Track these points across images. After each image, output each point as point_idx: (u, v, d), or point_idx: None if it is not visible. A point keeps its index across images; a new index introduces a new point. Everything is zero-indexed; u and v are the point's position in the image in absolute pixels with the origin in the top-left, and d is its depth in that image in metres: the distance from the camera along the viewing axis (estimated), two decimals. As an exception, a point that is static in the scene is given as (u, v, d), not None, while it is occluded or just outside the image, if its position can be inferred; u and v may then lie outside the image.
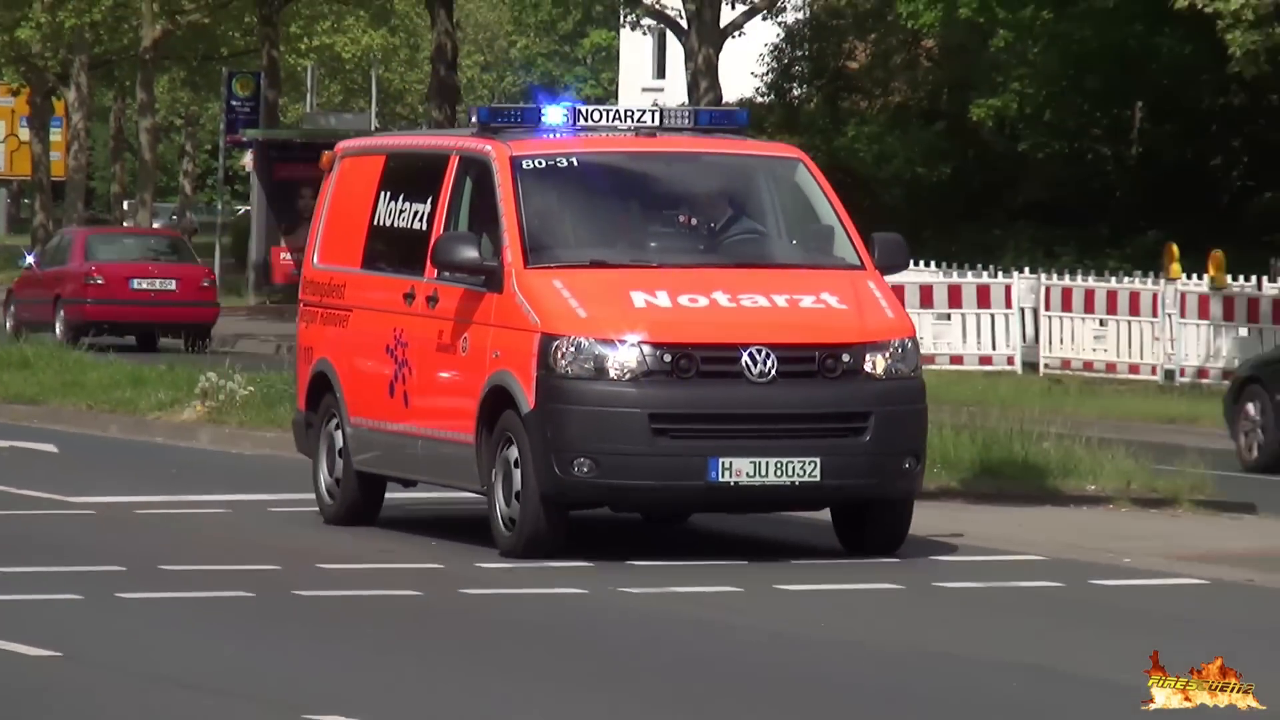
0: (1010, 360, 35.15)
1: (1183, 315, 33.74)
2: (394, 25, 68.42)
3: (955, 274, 36.65)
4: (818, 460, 11.54)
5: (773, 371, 11.48)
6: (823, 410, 11.77)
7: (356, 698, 7.79)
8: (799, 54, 49.61)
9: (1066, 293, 35.50)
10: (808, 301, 12.10)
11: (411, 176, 14.04)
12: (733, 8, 44.75)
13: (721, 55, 43.68)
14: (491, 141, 12.97)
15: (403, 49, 74.04)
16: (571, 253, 12.62)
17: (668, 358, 11.58)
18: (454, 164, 13.24)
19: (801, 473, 11.52)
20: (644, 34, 51.81)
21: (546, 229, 12.58)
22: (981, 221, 40.69)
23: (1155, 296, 34.12)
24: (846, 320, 12.00)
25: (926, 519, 16.40)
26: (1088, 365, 34.82)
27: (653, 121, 13.61)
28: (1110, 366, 34.58)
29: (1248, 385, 24.42)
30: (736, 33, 45.30)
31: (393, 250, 13.85)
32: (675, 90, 50.17)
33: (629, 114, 13.81)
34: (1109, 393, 32.57)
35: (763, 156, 14.69)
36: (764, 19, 46.86)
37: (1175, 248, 34.11)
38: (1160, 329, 34.01)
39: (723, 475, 11.49)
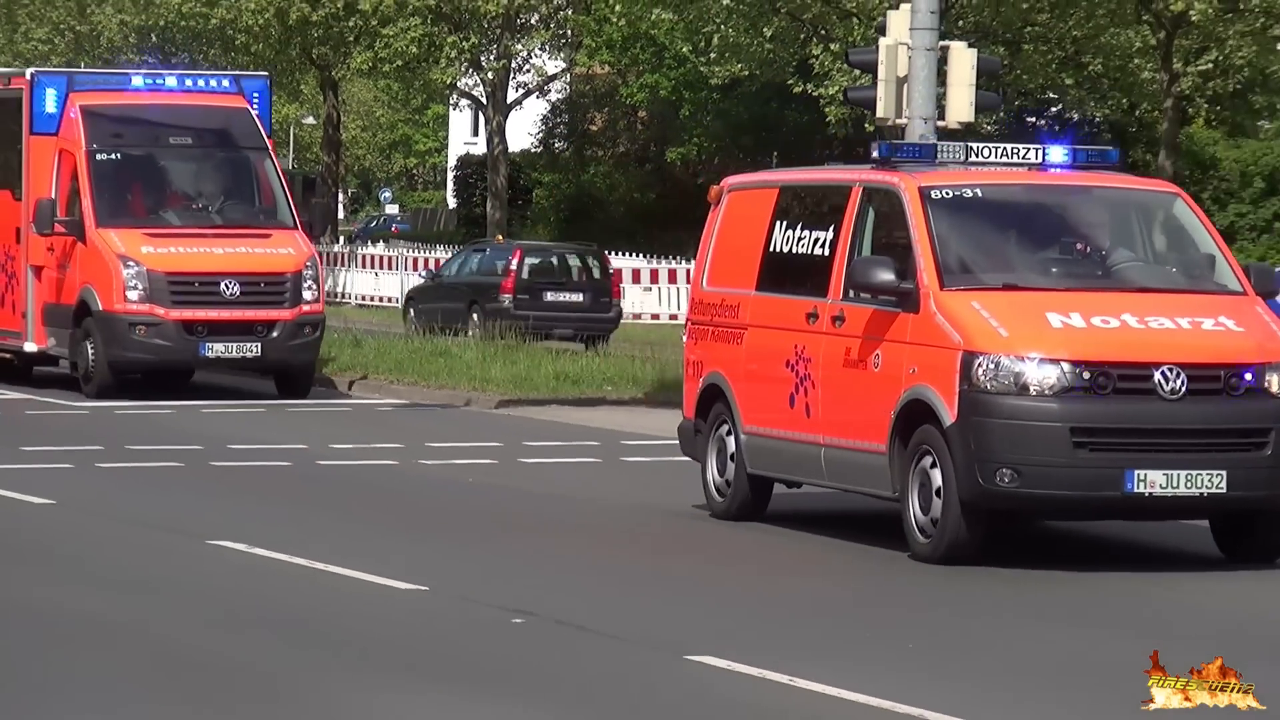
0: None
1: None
2: (302, 100, 66.51)
3: (654, 261, 42.28)
4: (1224, 473, 10.58)
5: (1183, 389, 10.52)
6: (1229, 426, 10.79)
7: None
8: (559, 120, 55.94)
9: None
10: (1209, 324, 11.04)
11: (809, 208, 13.04)
12: (516, 91, 49.62)
13: (509, 121, 49.20)
14: (898, 174, 12.01)
15: (307, 115, 72.82)
16: (984, 276, 11.60)
17: (1086, 375, 10.58)
18: (856, 195, 12.20)
19: (1210, 484, 10.55)
20: (463, 110, 56.58)
21: (957, 254, 11.49)
22: (674, 229, 43.74)
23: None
24: (1246, 341, 11.01)
25: (614, 419, 20.34)
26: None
27: (1036, 158, 12.49)
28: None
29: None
30: (518, 106, 50.62)
31: (791, 274, 12.77)
32: (483, 145, 53.25)
33: (1014, 150, 12.80)
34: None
35: (1145, 190, 13.75)
36: (536, 98, 52.63)
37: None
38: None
39: (1138, 486, 10.51)
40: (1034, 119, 45.39)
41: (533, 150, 54.86)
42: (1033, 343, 10.76)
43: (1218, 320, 11.16)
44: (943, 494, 10.77)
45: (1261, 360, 10.90)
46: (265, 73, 30.59)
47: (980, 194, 12.10)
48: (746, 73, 37.83)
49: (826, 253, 12.26)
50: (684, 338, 14.26)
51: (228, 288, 19.87)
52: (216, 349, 20.01)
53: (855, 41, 30.33)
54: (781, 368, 12.50)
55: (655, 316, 40.41)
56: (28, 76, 21.61)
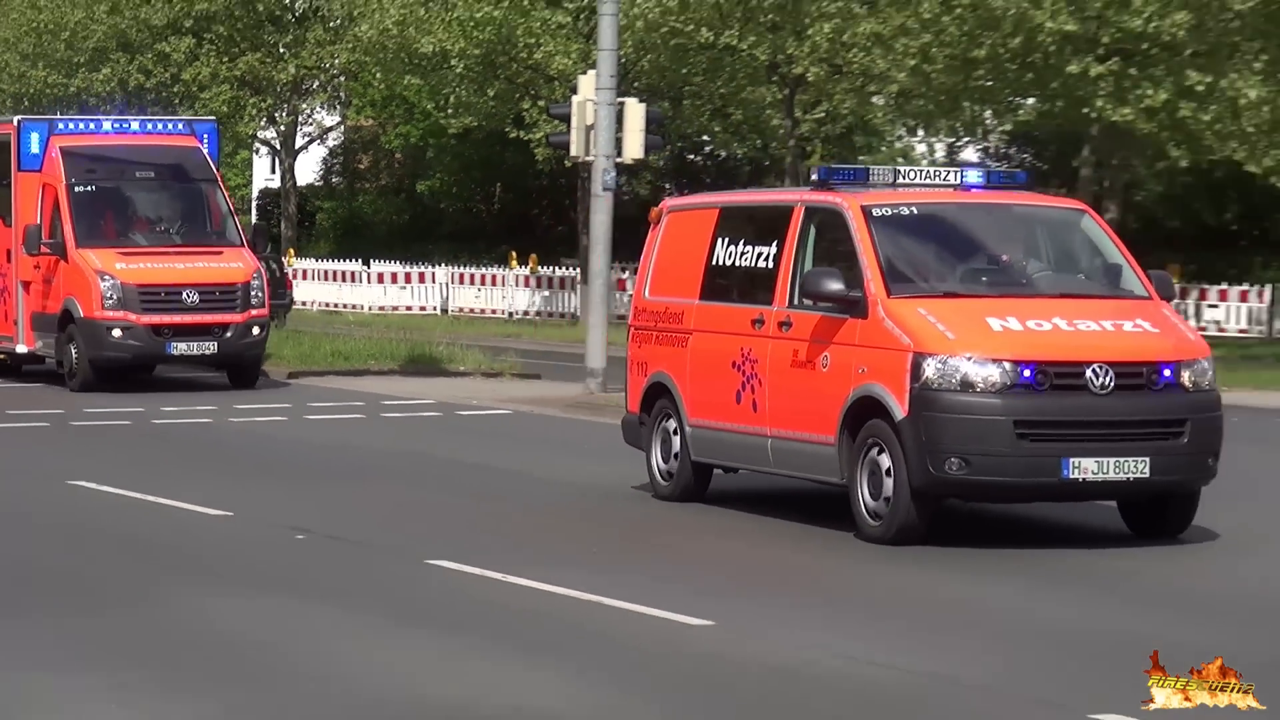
0: (436, 308, 40.37)
1: (517, 285, 39.22)
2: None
3: (407, 266, 41.38)
4: (1148, 459, 9.60)
5: (1112, 385, 9.52)
6: (1152, 418, 9.77)
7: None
8: (336, 160, 54.72)
9: (461, 277, 40.47)
10: (1129, 326, 10.06)
11: (750, 226, 11.66)
12: (303, 139, 49.53)
13: (297, 162, 49.05)
14: (839, 194, 10.75)
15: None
16: (925, 285, 10.47)
17: (1027, 373, 9.51)
18: (799, 213, 10.92)
19: (1135, 470, 9.55)
20: (263, 155, 54.34)
21: (899, 265, 10.33)
22: (421, 243, 45.67)
23: (507, 277, 39.30)
24: (1163, 341, 10.04)
25: (376, 385, 20.35)
26: (471, 310, 39.67)
27: (955, 180, 11.35)
28: (484, 310, 39.59)
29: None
30: (305, 151, 50.33)
31: (735, 285, 11.53)
32: (278, 180, 51.70)
33: (937, 173, 11.94)
34: (482, 323, 36.80)
35: (1057, 207, 12.66)
36: (318, 144, 52.23)
37: (515, 254, 38.46)
38: (506, 292, 39.45)
39: (1073, 472, 9.49)
40: (691, 156, 46.98)
41: (316, 184, 54.79)
42: (977, 345, 9.65)
43: (1135, 323, 10.12)
44: (893, 481, 9.58)
45: (1177, 358, 9.88)
46: (213, 117, 29.80)
47: (915, 211, 10.87)
48: (476, 123, 39.00)
49: (770, 265, 10.99)
50: (628, 340, 12.63)
51: (188, 296, 19.21)
52: (180, 347, 19.30)
53: (556, 99, 31.05)
54: (728, 368, 11.17)
55: (409, 308, 40.38)
56: (15, 123, 20.46)
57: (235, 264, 19.71)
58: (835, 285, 10.03)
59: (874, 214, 10.42)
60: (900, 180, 11.34)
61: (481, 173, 48.64)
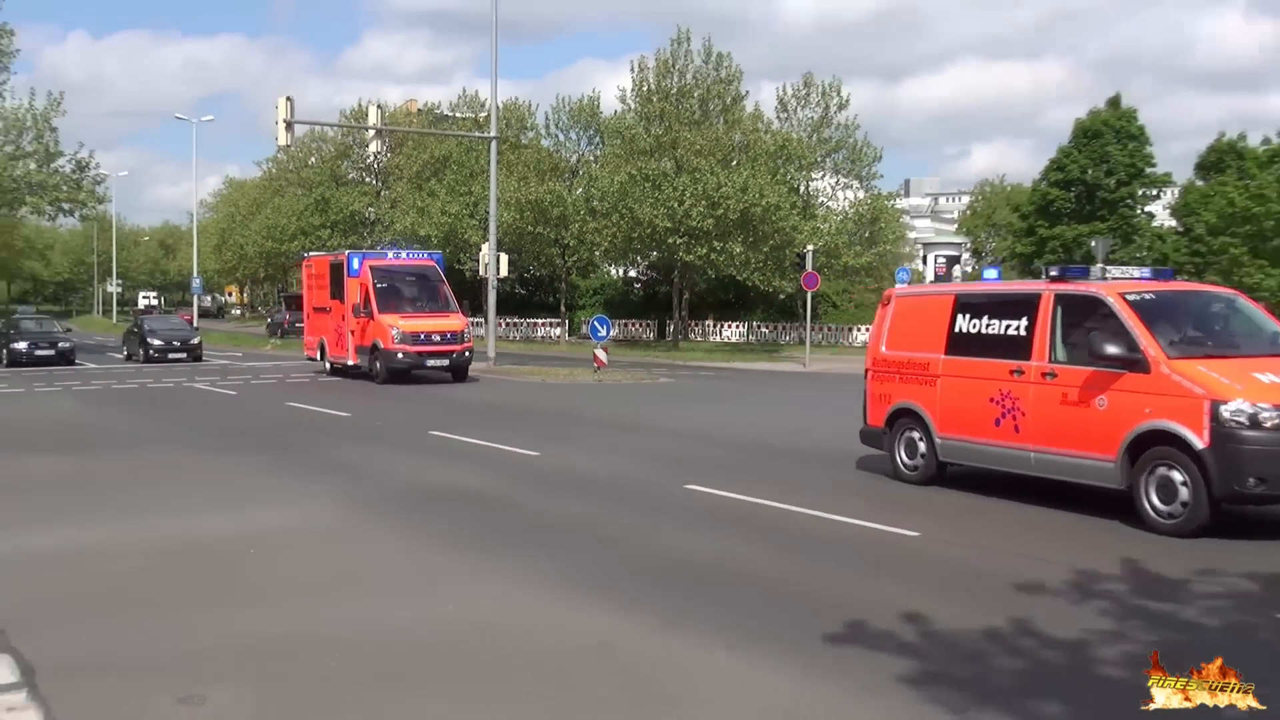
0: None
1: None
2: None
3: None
4: None
5: None
6: None
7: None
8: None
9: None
10: None
11: (993, 307, 13.53)
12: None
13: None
14: (1093, 285, 12.70)
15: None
16: (1194, 349, 11.86)
17: None
18: (1049, 299, 12.79)
19: None
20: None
21: (1157, 335, 11.69)
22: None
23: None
24: None
25: (525, 376, 37.74)
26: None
27: (1140, 273, 13.51)
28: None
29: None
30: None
31: (979, 345, 13.48)
32: None
33: (1127, 271, 13.67)
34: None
35: (1230, 292, 14.25)
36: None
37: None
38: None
39: None
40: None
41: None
42: (1259, 394, 11.00)
43: None
44: (1192, 492, 11.13)
45: None
46: (439, 250, 43.82)
47: (1154, 297, 12.54)
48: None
49: (1023, 334, 13.00)
50: (867, 380, 15.29)
51: (435, 337, 31.43)
52: (431, 363, 31.49)
53: (474, 253, 51.61)
54: (985, 403, 13.30)
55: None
56: (345, 254, 34.75)
57: (456, 320, 32.63)
58: (1117, 349, 11.80)
59: (1129, 298, 12.38)
60: (1107, 275, 13.50)
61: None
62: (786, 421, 21.98)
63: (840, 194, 57.73)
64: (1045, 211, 58.96)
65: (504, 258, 39.40)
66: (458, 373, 31.94)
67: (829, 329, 56.52)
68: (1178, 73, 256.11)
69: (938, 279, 48.43)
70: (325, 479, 14.43)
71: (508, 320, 61.77)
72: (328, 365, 34.72)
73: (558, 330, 61.61)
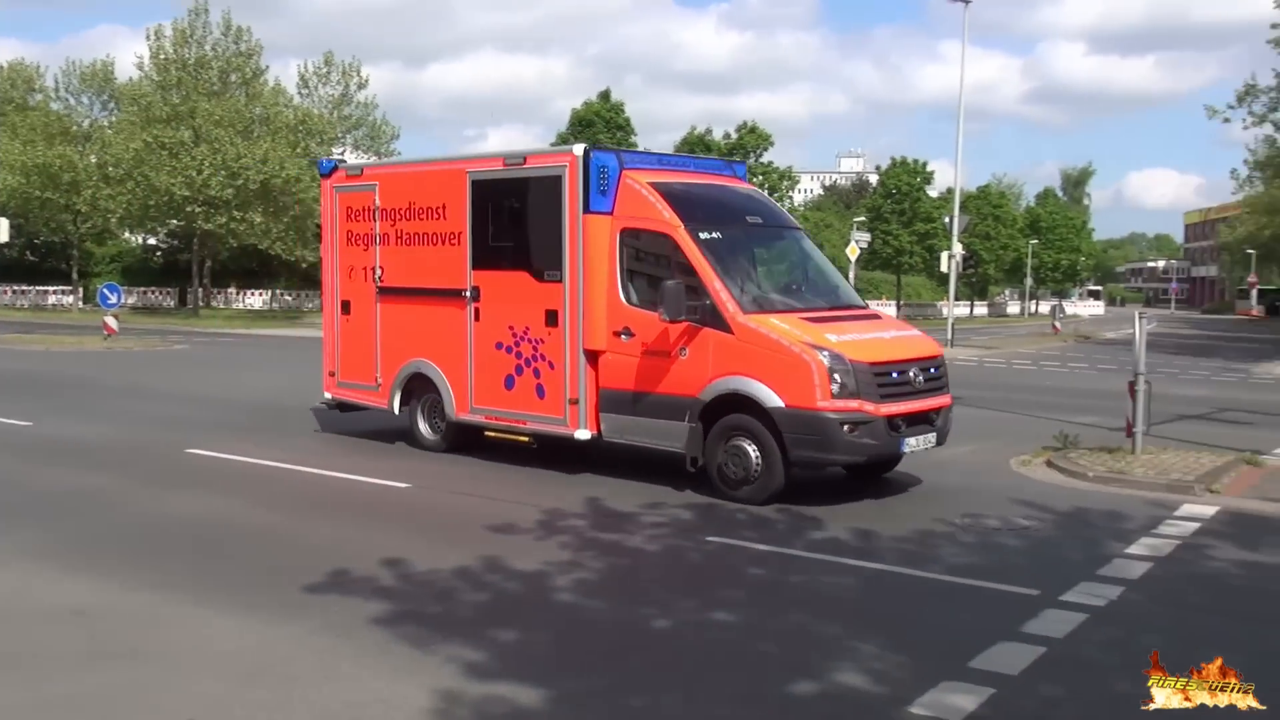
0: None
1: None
2: None
3: None
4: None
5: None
6: None
7: None
8: None
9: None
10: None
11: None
12: None
13: None
14: None
15: None
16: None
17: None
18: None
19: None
20: None
21: None
22: None
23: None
24: None
25: None
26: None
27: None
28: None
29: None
30: None
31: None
32: None
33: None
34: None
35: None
36: None
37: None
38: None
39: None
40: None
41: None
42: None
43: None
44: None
45: None
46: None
47: None
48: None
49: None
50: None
51: (916, 375, 11.43)
52: (911, 443, 11.26)
53: None
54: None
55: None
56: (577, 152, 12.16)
57: (916, 331, 13.34)
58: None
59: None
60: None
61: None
62: (299, 382, 21.30)
63: (360, 169, 57.18)
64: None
65: (3, 222, 32.71)
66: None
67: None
68: (664, 74, 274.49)
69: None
70: None
71: (14, 288, 56.59)
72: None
73: (70, 298, 56.33)
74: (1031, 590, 7.76)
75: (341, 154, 56.61)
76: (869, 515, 10.18)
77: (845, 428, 10.50)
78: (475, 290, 12.98)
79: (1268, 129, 39.69)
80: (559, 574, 8.00)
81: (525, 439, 12.80)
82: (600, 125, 60.21)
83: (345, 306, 14.47)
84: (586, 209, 11.94)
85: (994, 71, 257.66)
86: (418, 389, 13.89)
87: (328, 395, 14.98)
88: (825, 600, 7.56)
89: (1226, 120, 40.24)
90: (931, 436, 11.28)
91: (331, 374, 14.99)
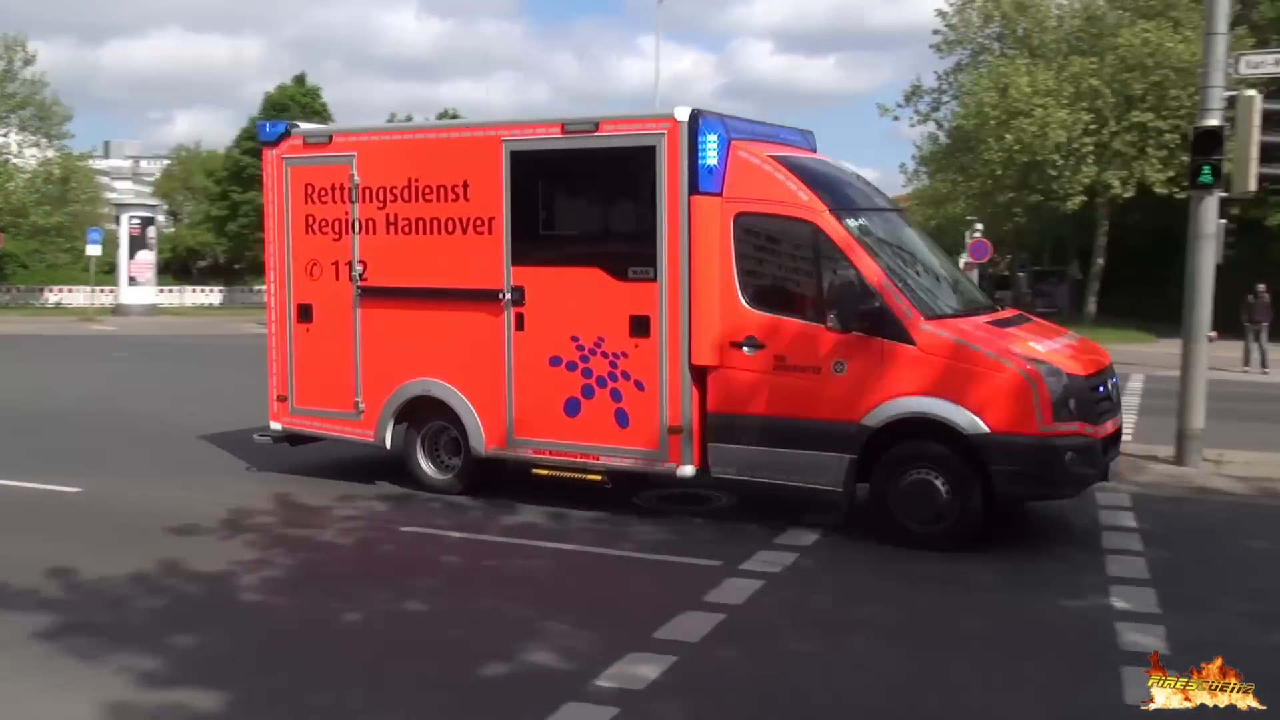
0: None
1: None
2: None
3: None
4: None
5: None
6: None
7: None
8: None
9: None
10: None
11: None
12: None
13: None
14: None
15: None
16: None
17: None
18: None
19: None
20: None
21: None
22: None
23: None
24: None
25: None
26: None
27: None
28: None
29: None
30: None
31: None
32: None
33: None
34: None
35: None
36: None
37: None
38: None
39: None
40: None
41: None
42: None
43: None
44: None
45: None
46: None
47: None
48: None
49: None
50: None
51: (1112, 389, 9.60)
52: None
53: None
54: None
55: None
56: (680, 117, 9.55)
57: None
58: None
59: None
60: None
61: None
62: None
63: (28, 152, 52.67)
64: (238, 177, 59.62)
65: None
66: None
67: (19, 290, 51.26)
68: (364, 59, 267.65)
69: (132, 240, 46.64)
70: None
71: None
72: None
73: None
74: (714, 561, 8.05)
75: (4, 135, 52.52)
76: (564, 499, 10.18)
77: (1068, 456, 8.41)
78: (518, 292, 10.00)
79: (931, 126, 42.62)
80: (244, 573, 7.70)
81: (597, 477, 10.04)
82: (295, 109, 58.43)
83: (303, 312, 11.16)
84: (694, 189, 9.33)
85: (690, 66, 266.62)
86: (419, 416, 10.86)
87: (275, 425, 11.49)
88: (518, 583, 7.61)
89: (896, 118, 43.95)
90: (1116, 458, 9.28)
91: (282, 398, 11.44)
